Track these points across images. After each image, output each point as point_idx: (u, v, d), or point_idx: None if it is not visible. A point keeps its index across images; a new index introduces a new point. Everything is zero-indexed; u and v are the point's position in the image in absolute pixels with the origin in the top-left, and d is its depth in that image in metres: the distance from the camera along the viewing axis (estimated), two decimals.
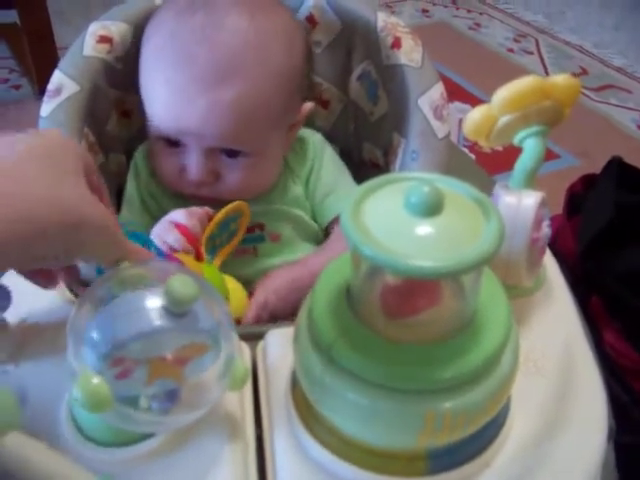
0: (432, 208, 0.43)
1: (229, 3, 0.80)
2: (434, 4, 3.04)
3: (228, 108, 0.77)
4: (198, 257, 0.74)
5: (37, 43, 2.16)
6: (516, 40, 2.72)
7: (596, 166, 1.26)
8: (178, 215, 0.77)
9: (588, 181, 1.25)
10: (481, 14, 2.95)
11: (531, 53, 2.62)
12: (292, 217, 0.90)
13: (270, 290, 0.79)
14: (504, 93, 0.57)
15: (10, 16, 2.23)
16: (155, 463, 0.51)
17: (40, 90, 2.21)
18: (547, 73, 2.46)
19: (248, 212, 0.80)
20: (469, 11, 2.98)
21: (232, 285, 0.76)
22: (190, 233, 0.75)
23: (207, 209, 0.78)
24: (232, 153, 0.82)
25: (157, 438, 0.51)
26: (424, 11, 2.97)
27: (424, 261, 0.41)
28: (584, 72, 2.50)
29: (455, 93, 2.26)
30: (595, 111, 2.25)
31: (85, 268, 0.72)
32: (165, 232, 0.75)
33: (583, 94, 2.33)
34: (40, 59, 2.18)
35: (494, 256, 0.42)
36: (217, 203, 0.82)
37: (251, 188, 0.86)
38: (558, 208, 1.26)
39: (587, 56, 2.62)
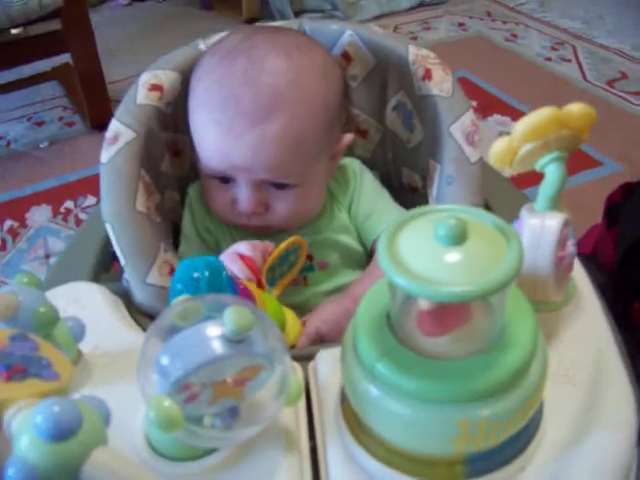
0: (458, 237, 0.48)
1: (267, 47, 0.86)
2: (470, 17, 3.06)
3: (273, 141, 0.83)
4: (259, 286, 0.79)
5: (88, 81, 2.27)
6: (553, 48, 2.73)
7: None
8: (242, 247, 0.82)
9: (627, 189, 1.27)
10: (517, 24, 2.96)
11: (569, 60, 2.62)
12: (339, 245, 0.95)
13: (320, 320, 0.84)
14: (522, 126, 0.61)
15: (64, 57, 2.33)
16: (220, 475, 0.56)
17: (92, 126, 2.31)
18: (585, 79, 2.47)
19: (306, 246, 0.86)
20: (505, 22, 2.99)
21: (288, 314, 0.81)
22: (253, 264, 0.80)
23: (268, 243, 0.84)
24: (279, 185, 0.88)
25: (221, 452, 0.57)
26: (460, 25, 2.99)
27: (453, 287, 0.46)
28: (624, 76, 2.49)
29: (493, 106, 2.28)
30: (636, 115, 2.25)
31: (148, 303, 0.78)
32: (231, 262, 0.80)
33: (623, 98, 2.33)
34: (91, 96, 2.29)
35: (516, 277, 0.47)
36: (268, 232, 0.90)
37: (298, 217, 0.92)
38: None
39: (627, 59, 2.62)
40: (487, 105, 2.25)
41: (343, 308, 0.86)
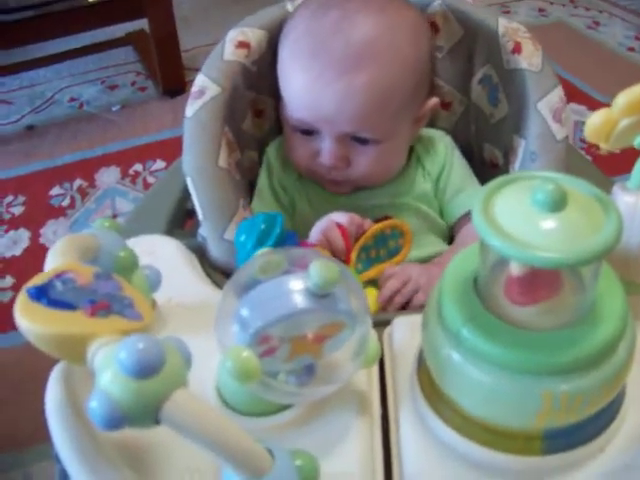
0: (556, 204, 0.46)
1: (360, 2, 0.86)
2: (551, 3, 2.98)
3: (360, 92, 0.83)
4: (345, 261, 0.78)
5: (163, 48, 2.28)
6: (638, 38, 2.64)
7: None
8: (341, 217, 0.82)
9: None
10: (601, 12, 2.88)
11: None
12: (419, 211, 0.94)
13: (417, 273, 0.83)
14: (624, 97, 0.59)
15: (138, 23, 2.36)
16: (290, 433, 0.56)
17: (164, 91, 2.33)
18: None
19: (410, 235, 0.83)
20: (587, 9, 2.91)
21: (370, 294, 0.78)
22: (348, 236, 0.79)
23: (367, 220, 0.83)
24: (362, 140, 0.87)
25: (292, 411, 0.57)
26: (540, 10, 2.92)
27: (548, 252, 0.44)
28: None
29: (571, 95, 2.22)
30: None
31: (224, 259, 0.78)
32: (328, 229, 0.80)
33: None
34: (165, 62, 2.31)
35: (613, 249, 0.46)
36: (345, 189, 0.91)
37: (378, 174, 0.92)
38: None
39: None
40: (565, 93, 2.19)
41: (435, 271, 0.84)
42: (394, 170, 0.94)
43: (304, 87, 0.85)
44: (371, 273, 0.82)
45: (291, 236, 0.66)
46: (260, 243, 0.64)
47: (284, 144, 0.96)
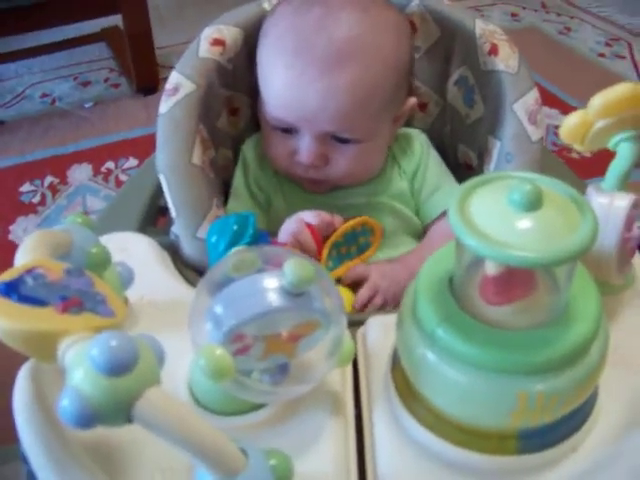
0: (533, 204, 0.46)
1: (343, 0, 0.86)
2: (523, 7, 3.01)
3: (344, 91, 0.82)
4: (317, 258, 0.79)
5: (137, 45, 2.26)
6: (608, 44, 2.68)
7: None
8: (309, 215, 0.82)
9: None
10: (572, 18, 2.91)
11: (623, 57, 2.57)
12: (395, 210, 0.94)
13: (380, 275, 0.84)
14: (600, 99, 0.59)
15: (112, 20, 2.34)
16: (264, 431, 0.56)
17: (138, 89, 2.31)
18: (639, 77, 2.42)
19: (380, 231, 0.84)
20: (559, 15, 2.94)
21: (344, 293, 0.79)
22: (317, 234, 0.80)
23: (337, 217, 0.83)
24: (341, 139, 0.87)
25: (265, 410, 0.56)
26: (513, 15, 2.94)
27: (524, 252, 0.44)
28: None
29: (543, 98, 2.20)
30: None
31: (196, 257, 0.78)
32: (298, 230, 0.80)
33: None
34: (139, 59, 2.28)
35: (588, 250, 0.46)
36: (322, 188, 0.91)
37: (356, 174, 0.92)
38: None
39: None
40: None
41: (398, 271, 0.85)
42: (373, 170, 0.94)
43: (285, 85, 0.84)
44: (341, 270, 0.82)
45: (264, 236, 0.66)
46: (233, 244, 0.64)
47: (262, 142, 0.95)
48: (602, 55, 2.59)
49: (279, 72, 0.85)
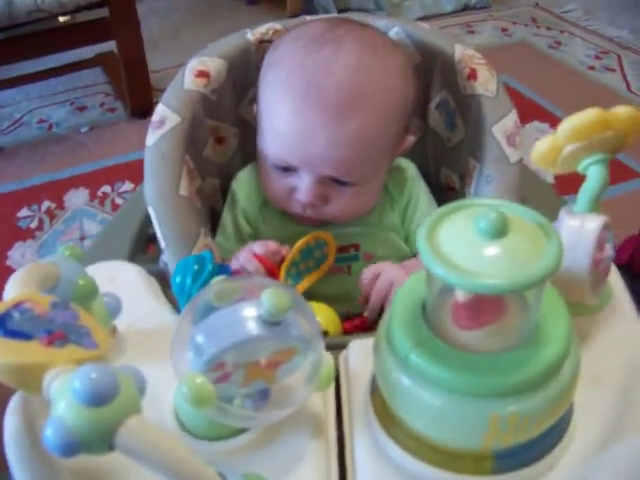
0: (499, 231, 0.48)
1: (354, 40, 0.86)
2: (514, 23, 3.04)
3: (349, 140, 0.83)
4: None
5: (131, 69, 2.30)
6: (597, 57, 2.70)
7: None
8: (256, 246, 0.84)
9: None
10: (562, 32, 2.94)
11: (613, 70, 2.59)
12: (387, 240, 0.96)
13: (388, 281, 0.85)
14: (568, 124, 0.61)
15: (107, 45, 2.37)
16: (246, 456, 0.57)
17: (133, 113, 2.34)
18: (630, 90, 2.44)
19: (332, 242, 0.87)
20: (549, 29, 2.97)
21: (318, 307, 0.82)
22: (266, 261, 0.83)
23: (285, 247, 0.86)
24: (341, 182, 0.87)
25: (248, 434, 0.58)
26: (504, 30, 2.97)
27: (491, 279, 0.46)
28: None
29: (534, 112, 2.26)
30: None
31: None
32: (246, 261, 0.83)
33: None
34: (134, 83, 2.32)
35: (554, 274, 0.47)
36: (316, 224, 0.91)
37: (352, 213, 0.93)
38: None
39: None
40: (527, 111, 2.24)
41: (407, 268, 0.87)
42: (369, 207, 0.95)
43: (290, 128, 0.84)
44: (304, 284, 0.86)
45: (225, 269, 0.68)
46: (194, 281, 0.66)
47: (257, 175, 0.96)
48: (592, 68, 2.62)
49: (284, 113, 0.85)
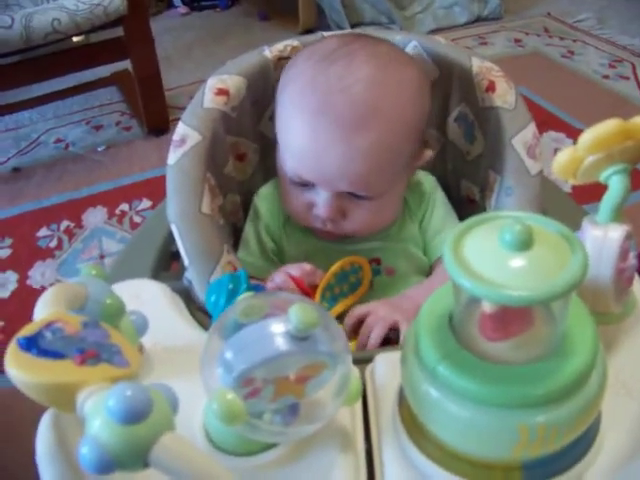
0: (524, 243, 0.48)
1: (366, 56, 0.86)
2: (526, 33, 3.05)
3: (363, 154, 0.83)
4: None
5: (147, 87, 2.32)
6: (611, 66, 2.70)
7: None
8: (293, 269, 0.85)
9: None
10: (574, 41, 2.94)
11: (627, 78, 2.59)
12: (407, 253, 0.97)
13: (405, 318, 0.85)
14: (588, 136, 0.61)
15: (122, 64, 2.39)
16: (276, 471, 0.58)
17: (149, 131, 2.36)
18: None
19: (368, 267, 0.88)
20: (562, 39, 2.98)
21: None
22: (302, 283, 0.83)
23: (320, 272, 0.87)
24: (359, 196, 0.88)
25: (277, 449, 0.58)
26: (517, 41, 2.98)
27: (517, 291, 0.46)
28: None
29: (549, 122, 2.26)
30: None
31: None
32: (282, 282, 0.84)
33: None
34: (149, 102, 2.35)
35: (580, 284, 0.48)
36: (337, 238, 0.92)
37: (372, 227, 0.94)
38: None
39: None
40: (542, 122, 2.24)
41: (402, 301, 0.88)
42: (389, 221, 0.96)
43: (304, 145, 0.85)
44: (338, 308, 0.86)
45: (258, 288, 0.69)
46: (229, 301, 0.67)
47: (274, 192, 0.97)
48: (606, 77, 2.62)
49: (298, 130, 0.86)
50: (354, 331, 0.84)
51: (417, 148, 0.92)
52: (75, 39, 2.34)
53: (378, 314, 0.84)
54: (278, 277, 0.85)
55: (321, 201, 0.88)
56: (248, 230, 0.98)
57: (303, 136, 0.85)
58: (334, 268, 0.86)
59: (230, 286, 0.68)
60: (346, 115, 0.82)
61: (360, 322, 0.85)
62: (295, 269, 0.85)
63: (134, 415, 0.41)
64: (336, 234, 0.92)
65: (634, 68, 2.67)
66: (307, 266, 0.86)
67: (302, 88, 0.86)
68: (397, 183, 0.91)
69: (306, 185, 0.89)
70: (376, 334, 0.83)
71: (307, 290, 0.84)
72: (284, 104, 0.89)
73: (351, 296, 0.87)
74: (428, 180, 1.01)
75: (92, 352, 0.48)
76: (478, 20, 3.20)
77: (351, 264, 0.87)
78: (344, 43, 0.88)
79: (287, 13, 3.20)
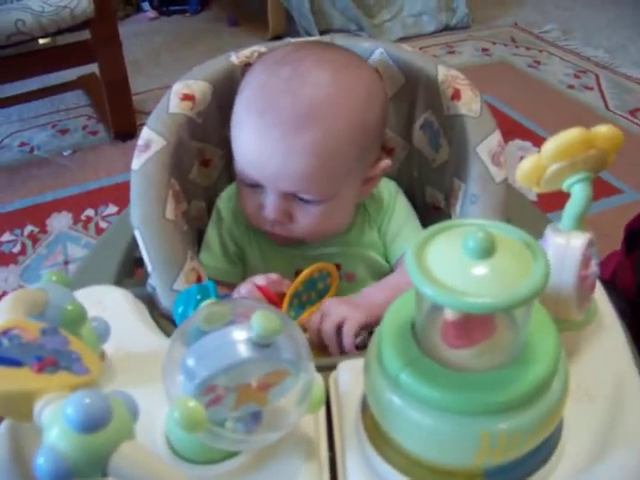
0: (486, 251, 0.48)
1: (316, 60, 0.87)
2: (494, 43, 3.08)
3: (302, 153, 0.83)
4: None
5: (114, 91, 2.30)
6: (576, 76, 2.74)
7: None
8: (259, 279, 0.85)
9: None
10: (541, 51, 2.98)
11: (591, 89, 2.63)
12: (367, 258, 0.97)
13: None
14: (552, 144, 0.62)
15: (89, 67, 2.37)
16: (239, 479, 0.57)
17: (116, 135, 2.34)
18: (608, 108, 2.47)
19: (336, 274, 0.88)
20: (528, 49, 3.01)
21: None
22: (269, 292, 0.83)
23: (286, 282, 0.87)
24: (304, 199, 0.88)
25: (240, 457, 0.57)
26: (484, 50, 3.01)
27: (479, 298, 0.46)
28: None
29: (515, 131, 2.29)
30: None
31: (171, 306, 0.80)
32: (248, 292, 0.84)
33: None
34: (116, 106, 2.33)
35: (542, 292, 0.48)
36: (293, 242, 0.92)
37: (321, 232, 0.93)
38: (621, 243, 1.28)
39: None
40: (509, 130, 2.26)
41: (355, 299, 0.88)
42: (340, 227, 0.95)
43: (250, 145, 0.86)
44: (306, 316, 0.86)
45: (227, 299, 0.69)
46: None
47: (236, 194, 0.97)
48: (571, 87, 2.66)
49: (246, 131, 0.87)
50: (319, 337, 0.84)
51: (368, 155, 0.91)
52: (41, 41, 2.31)
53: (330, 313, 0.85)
54: (244, 288, 0.85)
55: (268, 202, 0.88)
56: (210, 233, 0.98)
57: (249, 136, 0.86)
58: (302, 275, 0.86)
59: (198, 297, 0.67)
60: (288, 115, 0.83)
61: None
62: (261, 279, 0.85)
63: (93, 423, 0.41)
64: (286, 237, 0.92)
65: (598, 79, 2.71)
66: (273, 276, 0.86)
67: (251, 92, 0.87)
68: (345, 189, 0.90)
69: (255, 186, 0.89)
70: (326, 328, 0.83)
71: (274, 299, 0.83)
72: (237, 107, 0.90)
73: (318, 303, 0.87)
74: (389, 186, 1.01)
75: (50, 359, 0.47)
76: (446, 29, 3.22)
77: (319, 271, 0.87)
78: (296, 49, 0.90)
79: (257, 19, 3.19)
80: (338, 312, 0.84)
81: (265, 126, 0.84)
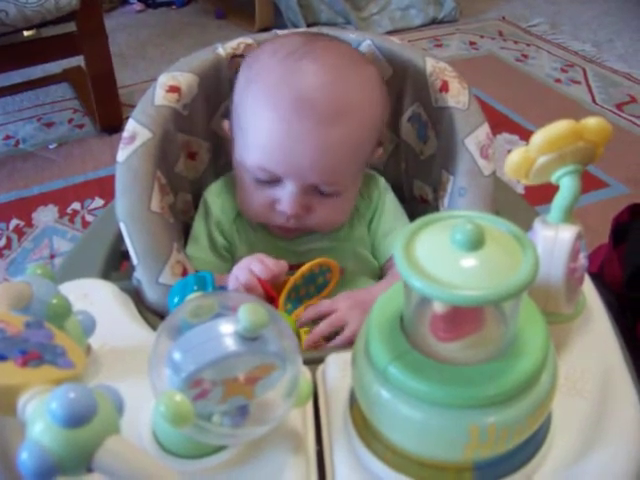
0: (475, 243, 0.48)
1: (333, 54, 0.88)
2: (481, 36, 3.08)
3: (335, 148, 0.84)
4: (275, 306, 0.81)
5: (100, 84, 2.28)
6: (563, 70, 2.74)
7: None
8: (253, 264, 0.83)
9: (635, 210, 1.27)
10: (528, 45, 2.98)
11: (578, 82, 2.63)
12: (356, 254, 0.96)
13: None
14: (540, 136, 0.61)
15: (75, 60, 2.35)
16: (225, 474, 0.57)
17: (102, 128, 2.32)
18: (595, 102, 2.48)
19: (337, 269, 0.87)
20: (516, 42, 3.01)
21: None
22: (267, 286, 0.82)
23: (283, 263, 0.84)
24: (324, 191, 0.88)
25: (227, 452, 0.57)
26: (471, 43, 3.01)
27: (468, 291, 0.46)
28: (632, 100, 2.50)
29: (503, 124, 2.29)
30: None
31: (159, 302, 0.79)
32: (247, 280, 0.82)
33: (631, 122, 2.34)
34: (102, 99, 2.30)
35: (531, 284, 0.48)
36: (293, 235, 0.92)
37: (333, 222, 0.93)
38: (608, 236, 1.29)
39: (636, 83, 2.63)
40: (496, 124, 2.26)
41: (364, 295, 0.87)
42: (346, 218, 0.96)
43: (276, 137, 0.84)
44: (302, 310, 0.85)
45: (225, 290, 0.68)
46: None
47: (235, 190, 0.95)
48: (558, 81, 2.65)
49: (270, 125, 0.85)
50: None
51: (375, 145, 0.93)
52: (26, 33, 2.28)
53: (345, 316, 0.84)
54: (242, 275, 0.83)
55: (287, 196, 0.87)
56: (198, 226, 0.97)
57: (275, 130, 0.84)
58: (304, 270, 0.84)
59: (195, 287, 0.66)
60: (322, 109, 0.82)
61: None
62: (256, 264, 0.83)
63: (78, 418, 0.40)
64: (295, 230, 0.92)
65: (585, 73, 2.71)
66: (269, 261, 0.84)
67: (273, 85, 0.85)
68: (356, 179, 0.92)
69: (270, 182, 0.88)
70: (345, 338, 0.83)
71: (271, 292, 0.82)
72: (250, 100, 0.88)
73: (316, 297, 0.86)
74: (378, 182, 1.01)
75: (35, 353, 0.46)
76: (434, 22, 3.22)
77: (320, 266, 0.86)
78: (306, 41, 0.89)
79: (244, 12, 3.18)
80: (358, 322, 0.82)
81: (298, 120, 0.83)
